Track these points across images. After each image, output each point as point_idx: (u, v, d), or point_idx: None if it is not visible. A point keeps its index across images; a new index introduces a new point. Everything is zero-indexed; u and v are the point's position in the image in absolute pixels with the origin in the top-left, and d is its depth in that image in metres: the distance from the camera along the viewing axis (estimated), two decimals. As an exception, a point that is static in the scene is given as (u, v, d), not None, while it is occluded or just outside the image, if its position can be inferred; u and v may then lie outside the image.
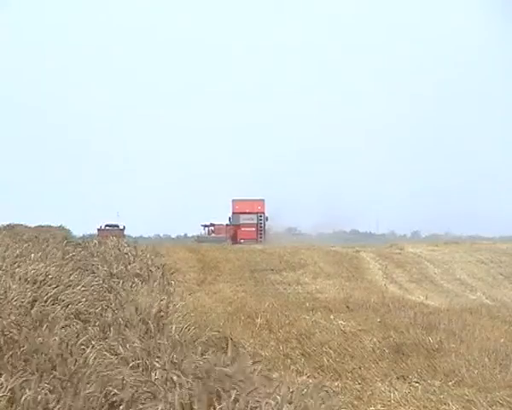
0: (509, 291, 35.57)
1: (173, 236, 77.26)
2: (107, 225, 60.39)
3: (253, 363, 13.08)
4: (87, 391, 9.87)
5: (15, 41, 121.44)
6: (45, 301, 14.80)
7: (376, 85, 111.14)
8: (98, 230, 58.63)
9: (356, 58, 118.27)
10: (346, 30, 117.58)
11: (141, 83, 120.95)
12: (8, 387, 9.68)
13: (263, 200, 62.12)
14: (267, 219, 61.72)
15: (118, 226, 60.67)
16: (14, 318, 12.60)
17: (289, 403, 10.80)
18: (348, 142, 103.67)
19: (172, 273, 32.27)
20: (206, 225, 63.43)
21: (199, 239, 60.84)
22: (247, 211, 61.03)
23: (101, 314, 15.04)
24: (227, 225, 62.31)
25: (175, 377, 11.03)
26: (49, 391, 9.79)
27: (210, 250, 38.93)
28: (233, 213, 61.89)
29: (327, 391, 12.14)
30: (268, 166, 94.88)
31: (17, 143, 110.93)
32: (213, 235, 61.19)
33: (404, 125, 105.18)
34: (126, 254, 32.62)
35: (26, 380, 9.95)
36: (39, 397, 9.57)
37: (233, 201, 62.19)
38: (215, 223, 62.89)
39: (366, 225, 76.03)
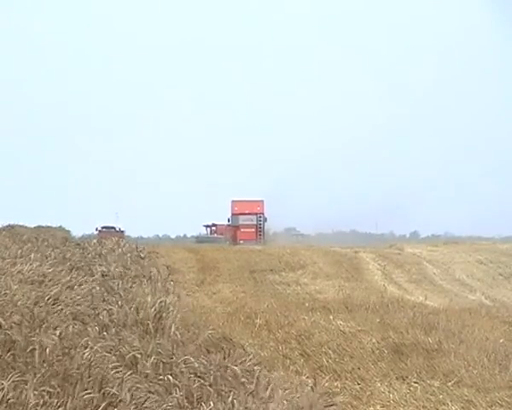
0: (509, 292, 35.55)
1: (172, 236, 77.24)
2: (103, 227, 60.07)
3: (252, 363, 13.05)
4: (85, 392, 9.83)
5: (16, 45, 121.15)
6: (44, 302, 14.78)
7: (376, 85, 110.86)
8: (99, 231, 58.53)
9: (356, 58, 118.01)
10: (345, 29, 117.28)
11: (140, 84, 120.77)
12: (6, 388, 9.60)
13: (262, 201, 62.27)
14: (266, 220, 61.86)
15: (114, 228, 60.43)
16: (15, 318, 12.55)
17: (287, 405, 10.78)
18: (347, 141, 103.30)
19: (172, 274, 32.26)
20: (207, 226, 63.49)
21: (198, 239, 60.90)
22: (247, 212, 61.18)
23: (100, 315, 15.01)
24: (227, 225, 62.42)
25: (172, 378, 11.01)
26: (48, 392, 9.74)
27: (209, 251, 38.85)
28: (232, 214, 62.07)
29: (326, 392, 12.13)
30: (267, 166, 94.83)
31: (17, 144, 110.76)
32: (215, 235, 61.30)
33: (403, 124, 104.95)
34: (125, 254, 32.54)
35: (24, 381, 9.91)
36: (38, 398, 9.53)
37: (232, 202, 62.33)
38: (217, 223, 62.96)
39: (365, 226, 75.94)
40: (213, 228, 62.76)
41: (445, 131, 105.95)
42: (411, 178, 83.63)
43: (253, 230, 60.17)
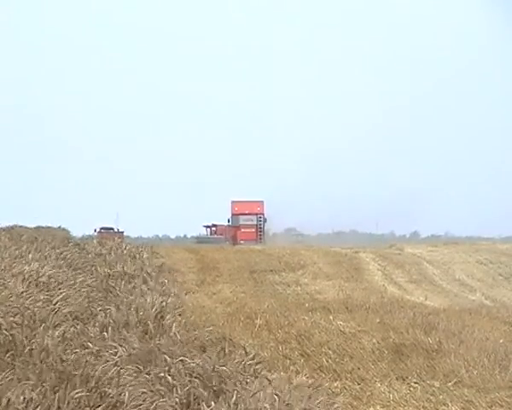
0: (509, 292, 35.48)
1: (172, 236, 77.25)
2: (102, 228, 59.72)
3: (253, 363, 13.04)
4: (80, 392, 9.77)
5: (15, 45, 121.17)
6: (44, 302, 14.73)
7: (376, 85, 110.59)
8: (98, 232, 58.21)
9: (356, 58, 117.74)
10: (344, 29, 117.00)
11: (140, 83, 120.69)
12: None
13: (262, 201, 62.67)
14: (266, 221, 62.39)
15: (113, 229, 60.16)
16: (16, 318, 12.50)
17: (287, 405, 10.77)
18: (347, 141, 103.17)
19: (172, 274, 32.14)
20: (207, 226, 63.71)
21: (198, 240, 61.05)
22: (247, 212, 61.68)
23: (99, 315, 14.98)
24: (228, 226, 62.84)
25: (171, 379, 10.99)
26: (44, 391, 9.69)
27: (209, 251, 38.85)
28: (232, 214, 62.49)
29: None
30: (267, 167, 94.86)
31: (17, 145, 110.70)
32: (216, 235, 61.51)
33: (403, 124, 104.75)
34: (125, 255, 32.40)
35: (19, 379, 9.85)
36: (33, 397, 9.48)
37: (232, 202, 62.76)
38: (217, 223, 63.21)
39: (366, 226, 75.85)
40: (213, 228, 62.94)
41: (446, 130, 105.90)
42: (412, 178, 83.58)
43: (253, 230, 60.75)
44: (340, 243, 45.44)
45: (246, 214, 61.48)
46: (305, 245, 44.43)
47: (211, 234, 62.68)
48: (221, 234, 61.38)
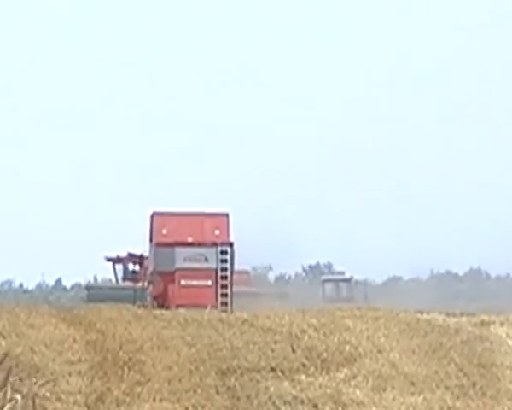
0: None
1: (30, 285, 53.34)
2: None
3: None
4: None
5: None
6: None
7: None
8: None
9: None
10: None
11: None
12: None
13: (226, 214, 29.64)
14: (232, 257, 28.79)
15: None
16: None
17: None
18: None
19: (24, 382, 15.57)
20: (116, 259, 33.88)
21: (92, 293, 34.89)
22: (190, 240, 28.77)
23: None
24: (143, 268, 31.15)
25: None
26: None
27: (118, 321, 18.53)
28: (156, 243, 29.24)
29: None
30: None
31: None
32: (134, 284, 32.56)
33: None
34: None
35: None
36: None
37: (154, 215, 29.90)
38: (136, 253, 33.73)
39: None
40: (130, 266, 34.35)
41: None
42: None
43: (208, 282, 26.82)
44: (438, 303, 24.31)
45: (188, 245, 28.83)
46: (352, 306, 23.52)
47: (124, 278, 34.32)
48: (147, 281, 31.62)
